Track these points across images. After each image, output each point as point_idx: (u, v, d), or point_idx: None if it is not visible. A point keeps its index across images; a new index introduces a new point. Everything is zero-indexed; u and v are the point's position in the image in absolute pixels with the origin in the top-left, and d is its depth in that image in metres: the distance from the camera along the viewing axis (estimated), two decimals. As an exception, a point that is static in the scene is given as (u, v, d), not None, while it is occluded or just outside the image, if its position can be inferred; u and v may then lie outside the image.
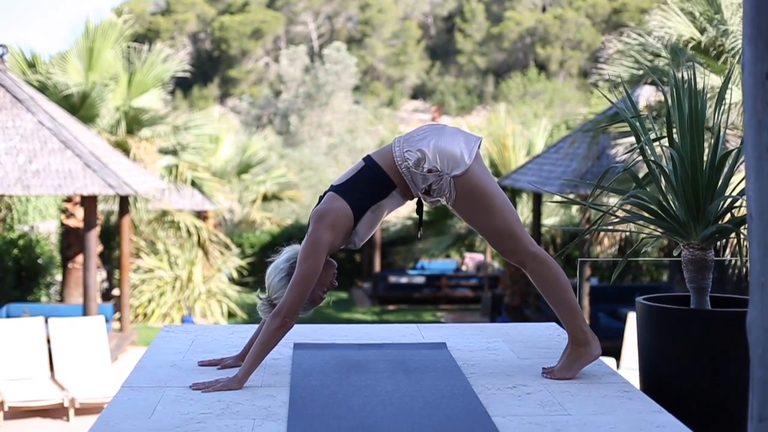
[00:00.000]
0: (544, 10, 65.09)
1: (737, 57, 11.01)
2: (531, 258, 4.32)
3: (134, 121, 19.18)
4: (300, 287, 4.17)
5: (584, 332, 4.37)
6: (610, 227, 4.96)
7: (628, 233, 5.09)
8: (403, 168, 4.25)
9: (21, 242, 19.70)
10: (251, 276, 26.54)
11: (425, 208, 4.42)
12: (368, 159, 4.33)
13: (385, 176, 4.28)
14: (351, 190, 4.27)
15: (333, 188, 4.30)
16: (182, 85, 57.23)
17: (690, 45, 11.60)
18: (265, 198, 28.89)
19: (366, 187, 4.27)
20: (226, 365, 4.44)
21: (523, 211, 21.19)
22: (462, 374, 4.40)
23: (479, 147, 4.36)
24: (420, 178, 4.25)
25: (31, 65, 19.08)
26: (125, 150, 18.71)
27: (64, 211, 19.14)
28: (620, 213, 4.84)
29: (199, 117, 22.69)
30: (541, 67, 60.18)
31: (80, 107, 18.41)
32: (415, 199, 4.37)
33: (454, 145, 4.25)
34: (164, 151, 20.28)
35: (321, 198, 4.35)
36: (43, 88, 18.32)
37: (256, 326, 5.49)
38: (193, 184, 20.64)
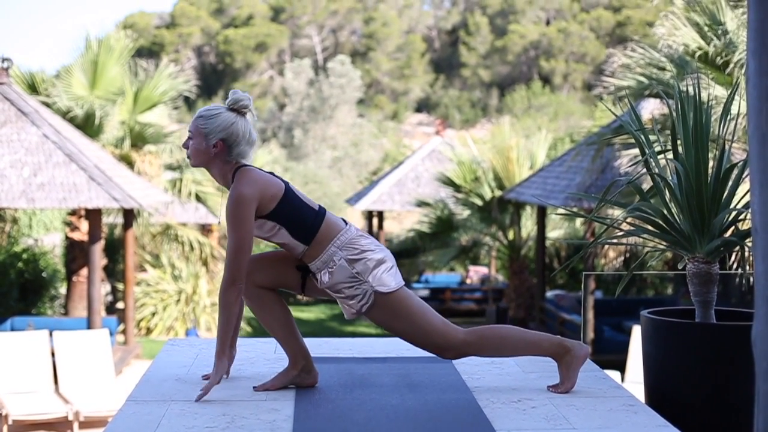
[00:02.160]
0: (548, 23, 65.17)
1: (743, 68, 11.01)
2: (467, 346, 4.32)
3: (139, 138, 19.19)
4: (234, 256, 4.15)
5: (558, 345, 4.38)
6: (615, 240, 4.95)
7: (632, 246, 5.09)
8: (334, 247, 4.22)
9: (25, 255, 19.71)
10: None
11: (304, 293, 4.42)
12: (321, 211, 4.29)
13: (312, 234, 4.23)
14: (295, 200, 4.25)
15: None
16: (187, 99, 57.31)
17: (696, 55, 11.59)
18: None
19: (299, 217, 4.22)
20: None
21: (527, 225, 21.19)
22: (467, 388, 4.40)
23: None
24: (339, 271, 4.22)
25: (32, 87, 19.05)
26: (130, 163, 18.72)
27: (68, 224, 19.14)
28: (625, 226, 4.83)
29: None
30: (545, 80, 60.24)
31: (84, 125, 18.44)
32: (298, 265, 4.33)
33: (391, 271, 4.25)
34: (169, 167, 20.30)
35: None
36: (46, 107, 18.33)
37: (261, 339, 5.49)
38: (198, 198, 20.65)
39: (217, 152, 4.25)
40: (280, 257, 4.36)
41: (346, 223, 4.31)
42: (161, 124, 20.05)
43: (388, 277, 4.23)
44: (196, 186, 20.49)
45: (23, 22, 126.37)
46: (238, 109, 4.35)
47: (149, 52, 57.75)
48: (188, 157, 4.33)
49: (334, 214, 4.37)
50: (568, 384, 4.35)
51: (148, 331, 20.44)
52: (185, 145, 4.32)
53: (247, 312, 22.54)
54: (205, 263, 20.68)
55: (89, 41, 18.94)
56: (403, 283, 4.30)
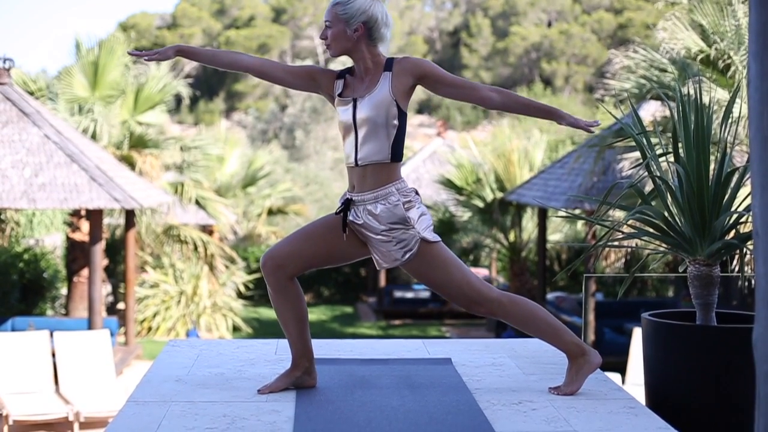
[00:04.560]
0: (549, 25, 65.16)
1: (745, 71, 11.01)
2: (497, 305, 4.34)
3: (139, 141, 19.19)
4: None
5: (577, 345, 4.37)
6: (616, 243, 4.96)
7: (633, 248, 5.08)
8: (393, 187, 4.29)
9: (26, 256, 19.71)
10: (256, 290, 26.53)
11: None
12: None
13: (397, 156, 4.34)
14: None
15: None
16: (185, 99, 57.27)
17: (698, 58, 11.59)
18: (271, 212, 28.89)
19: (403, 135, 4.36)
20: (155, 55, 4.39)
21: (528, 227, 21.18)
22: (467, 390, 4.40)
23: None
24: (393, 209, 4.27)
25: (31, 93, 19.04)
26: (131, 164, 18.72)
27: (69, 224, 19.15)
28: (626, 228, 4.83)
29: (205, 136, 22.72)
30: (547, 82, 60.22)
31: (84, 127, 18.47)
32: (341, 206, 4.39)
33: (431, 226, 4.34)
34: (169, 167, 20.30)
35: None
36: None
37: (261, 340, 5.49)
38: (198, 203, 20.65)
39: (360, 35, 4.32)
40: (307, 236, 4.38)
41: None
42: (161, 124, 20.05)
43: (430, 231, 4.31)
44: (196, 190, 20.49)
45: (24, 23, 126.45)
46: None
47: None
48: (327, 48, 4.39)
49: None
50: (573, 387, 4.35)
51: (149, 331, 20.45)
52: (323, 36, 4.37)
53: (247, 313, 22.55)
54: (208, 263, 20.67)
55: (89, 42, 18.94)
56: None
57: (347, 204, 4.35)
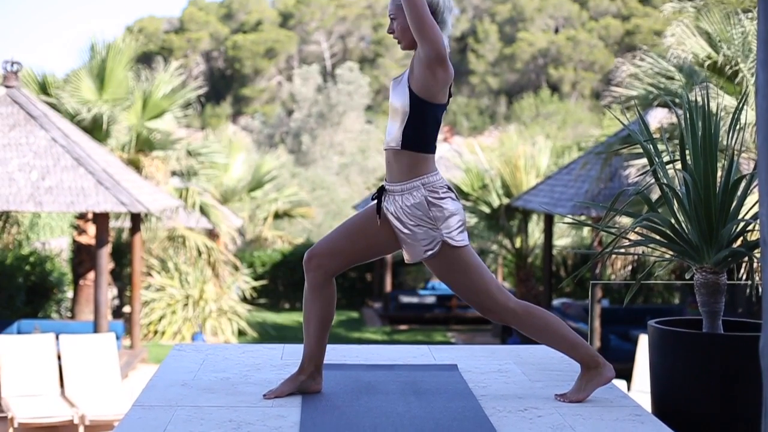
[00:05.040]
0: (556, 31, 65.14)
1: (753, 78, 11.00)
2: (511, 315, 4.32)
3: (146, 144, 19.22)
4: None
5: (592, 357, 4.35)
6: (623, 250, 4.95)
7: (640, 255, 5.08)
8: (419, 182, 4.25)
9: (32, 259, 19.73)
10: (263, 296, 26.55)
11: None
12: (434, 148, 4.35)
13: (417, 147, 4.27)
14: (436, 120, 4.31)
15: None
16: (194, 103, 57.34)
17: (705, 64, 11.58)
18: (277, 216, 28.92)
19: (427, 130, 4.28)
20: None
21: (535, 233, 21.17)
22: (473, 396, 4.39)
23: None
24: (418, 206, 4.24)
25: (43, 88, 19.12)
26: (138, 167, 18.75)
27: (75, 227, 19.16)
28: (633, 235, 4.83)
29: (212, 142, 22.75)
30: (554, 88, 60.17)
31: (92, 129, 18.47)
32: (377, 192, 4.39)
33: (461, 227, 4.29)
34: (176, 173, 20.33)
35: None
36: (55, 110, 18.37)
37: (267, 345, 5.49)
38: (201, 210, 20.66)
39: None
40: (347, 232, 4.38)
41: (437, 169, 4.34)
42: (169, 130, 20.08)
43: (458, 233, 4.25)
44: (201, 197, 20.52)
45: (32, 25, 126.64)
46: None
47: (158, 56, 57.86)
48: (398, 42, 4.32)
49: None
50: (581, 395, 4.33)
51: (155, 335, 20.46)
52: (390, 30, 4.32)
53: (252, 317, 22.54)
54: (213, 267, 20.69)
55: (97, 45, 18.97)
56: (469, 242, 4.32)
57: (381, 191, 4.35)
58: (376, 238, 4.35)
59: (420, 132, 4.24)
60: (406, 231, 4.27)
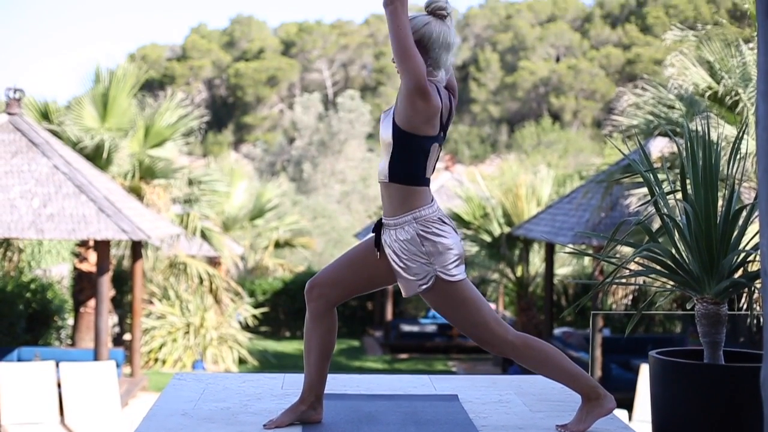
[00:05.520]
0: (558, 60, 65.33)
1: (753, 108, 11.02)
2: (510, 347, 4.29)
3: (148, 172, 19.24)
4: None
5: (593, 389, 4.33)
6: (624, 280, 4.95)
7: (641, 285, 5.07)
8: (411, 216, 4.24)
9: (33, 286, 19.72)
10: (264, 324, 26.51)
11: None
12: (426, 181, 4.29)
13: (403, 180, 4.24)
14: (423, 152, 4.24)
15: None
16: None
17: (706, 94, 11.61)
18: (278, 245, 28.92)
19: (412, 161, 4.22)
20: None
21: (535, 261, 21.16)
22: (474, 427, 4.38)
23: None
24: (410, 241, 4.22)
25: (45, 115, 19.15)
26: (139, 195, 18.76)
27: (77, 255, 19.16)
28: (633, 266, 4.82)
29: (214, 170, 22.78)
30: (555, 116, 60.29)
31: (94, 157, 18.49)
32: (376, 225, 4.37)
33: (457, 261, 4.25)
34: (177, 201, 20.35)
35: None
36: (57, 138, 18.40)
37: (267, 374, 5.47)
38: (203, 235, 20.67)
39: None
40: (349, 263, 4.37)
41: (433, 199, 4.29)
42: (171, 158, 20.10)
43: (453, 267, 4.21)
44: (202, 223, 20.53)
45: (35, 53, 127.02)
46: (433, 12, 4.27)
47: (160, 84, 57.98)
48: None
49: (430, 191, 4.31)
50: (581, 426, 4.32)
51: (155, 363, 20.41)
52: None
53: (253, 345, 22.50)
54: (214, 295, 20.67)
55: (100, 73, 19.03)
56: (466, 275, 4.28)
57: (380, 223, 4.34)
58: (377, 270, 4.34)
59: (406, 165, 4.21)
60: (401, 265, 4.25)
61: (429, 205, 4.24)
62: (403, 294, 4.34)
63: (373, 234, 4.35)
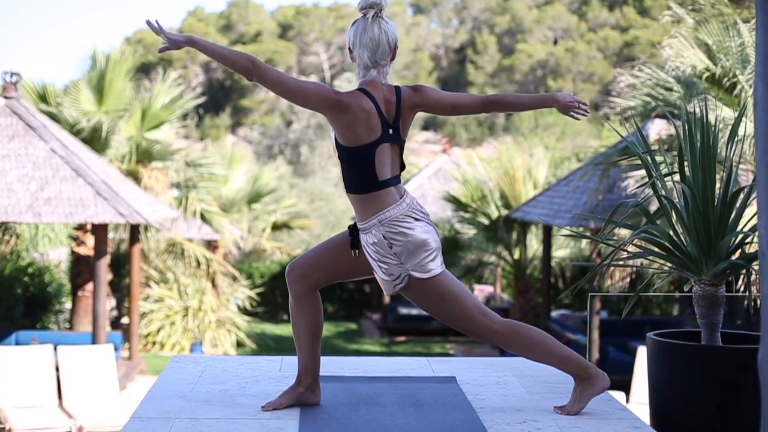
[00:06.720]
0: (555, 42, 65.24)
1: (751, 90, 11.00)
2: (496, 336, 4.30)
3: (145, 154, 19.22)
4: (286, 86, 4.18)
5: (584, 369, 4.33)
6: (621, 262, 4.95)
7: (639, 267, 5.07)
8: (376, 220, 4.21)
9: (31, 270, 19.71)
10: (261, 306, 26.50)
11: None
12: (388, 182, 4.24)
13: (359, 190, 4.23)
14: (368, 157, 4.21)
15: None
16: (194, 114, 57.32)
17: (704, 76, 11.58)
18: (275, 227, 28.89)
19: (358, 169, 4.21)
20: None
21: (533, 244, 21.16)
22: (472, 409, 4.39)
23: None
24: (379, 244, 4.21)
25: (42, 98, 19.13)
26: (137, 178, 18.74)
27: (74, 238, 19.15)
28: (631, 247, 4.82)
29: (212, 154, 22.74)
30: (553, 99, 60.18)
31: (91, 140, 18.46)
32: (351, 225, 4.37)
33: (431, 256, 4.21)
34: (175, 185, 20.33)
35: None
36: (54, 120, 18.36)
37: (265, 357, 5.48)
38: (203, 217, 20.66)
39: (355, 62, 4.24)
40: (331, 249, 4.37)
41: (402, 196, 4.23)
42: (168, 141, 20.07)
43: (428, 262, 4.20)
44: (201, 204, 20.51)
45: (32, 36, 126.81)
46: (362, 10, 4.26)
47: (158, 67, 57.88)
48: None
49: (402, 186, 4.26)
50: (577, 407, 4.33)
51: (153, 346, 20.43)
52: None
53: (251, 329, 22.52)
54: (212, 279, 20.67)
55: (96, 56, 18.98)
56: (443, 268, 4.25)
57: (355, 226, 4.34)
58: (358, 261, 4.35)
59: (356, 176, 4.22)
60: (375, 267, 4.27)
61: (394, 205, 4.20)
62: (384, 293, 4.36)
63: (349, 236, 4.33)
